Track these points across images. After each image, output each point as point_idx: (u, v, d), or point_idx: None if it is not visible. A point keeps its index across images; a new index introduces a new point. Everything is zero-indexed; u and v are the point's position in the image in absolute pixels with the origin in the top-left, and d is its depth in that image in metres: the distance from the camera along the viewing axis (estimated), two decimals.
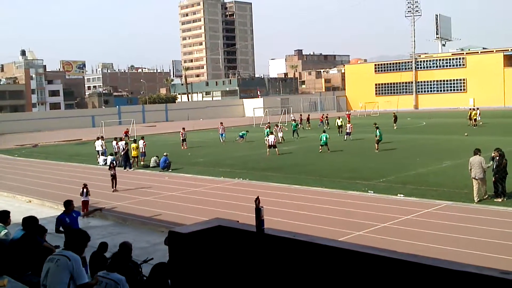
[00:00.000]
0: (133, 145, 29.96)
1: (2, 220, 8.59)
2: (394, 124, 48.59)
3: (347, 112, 61.29)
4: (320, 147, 31.98)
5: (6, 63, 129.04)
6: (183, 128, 39.80)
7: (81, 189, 18.06)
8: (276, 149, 31.50)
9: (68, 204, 11.93)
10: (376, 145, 31.09)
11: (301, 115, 59.89)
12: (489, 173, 16.87)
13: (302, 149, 34.63)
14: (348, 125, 40.43)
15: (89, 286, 5.85)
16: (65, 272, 5.55)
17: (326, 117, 56.88)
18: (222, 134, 42.85)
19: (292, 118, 63.56)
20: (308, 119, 57.51)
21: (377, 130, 31.53)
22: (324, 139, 31.74)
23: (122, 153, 29.37)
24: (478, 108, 51.31)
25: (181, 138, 39.25)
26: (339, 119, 46.25)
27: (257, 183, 22.18)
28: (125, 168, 28.50)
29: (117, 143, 32.07)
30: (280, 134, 39.61)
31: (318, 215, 15.87)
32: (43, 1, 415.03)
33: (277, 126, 41.55)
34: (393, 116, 50.88)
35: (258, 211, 3.65)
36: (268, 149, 31.72)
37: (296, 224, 14.45)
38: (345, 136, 39.23)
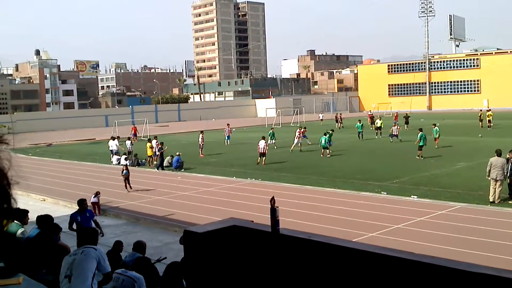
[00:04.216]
0: (148, 144, 30.09)
1: (19, 219, 8.63)
2: (406, 126, 48.17)
3: (369, 113, 60.32)
4: (322, 150, 30.39)
5: (21, 63, 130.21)
6: (202, 132, 34.98)
7: (93, 194, 17.95)
8: (264, 158, 27.90)
9: (80, 203, 12.17)
10: (418, 151, 27.73)
11: (338, 114, 58.94)
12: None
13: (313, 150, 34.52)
14: (395, 128, 37.83)
15: (109, 276, 6.07)
16: (93, 261, 5.76)
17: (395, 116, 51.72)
18: (228, 137, 40.45)
19: (321, 117, 62.97)
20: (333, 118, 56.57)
21: (420, 132, 28.13)
22: (323, 141, 30.01)
23: (158, 154, 28.37)
24: (490, 109, 50.69)
25: (202, 143, 33.48)
26: (379, 119, 43.94)
27: (270, 184, 22.17)
28: (157, 169, 27.90)
29: (131, 143, 32.13)
30: (271, 142, 34.68)
31: (331, 216, 15.83)
32: (57, 2, 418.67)
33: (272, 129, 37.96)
34: (404, 118, 50.42)
35: (274, 211, 3.64)
36: (258, 157, 28.18)
37: (309, 225, 14.41)
38: (391, 137, 37.01)
